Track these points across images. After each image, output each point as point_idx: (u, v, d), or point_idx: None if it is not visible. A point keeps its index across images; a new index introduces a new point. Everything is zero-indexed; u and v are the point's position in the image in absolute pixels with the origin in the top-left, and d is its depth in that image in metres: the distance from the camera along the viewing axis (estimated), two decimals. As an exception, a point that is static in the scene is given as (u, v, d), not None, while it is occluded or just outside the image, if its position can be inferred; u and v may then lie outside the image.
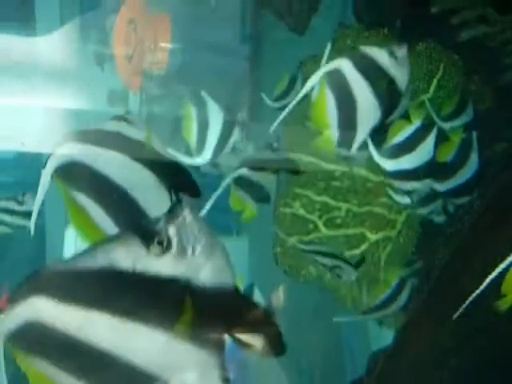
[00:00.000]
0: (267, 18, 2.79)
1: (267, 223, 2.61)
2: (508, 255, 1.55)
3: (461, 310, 1.57)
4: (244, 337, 1.56)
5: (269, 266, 2.64)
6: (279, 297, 1.76)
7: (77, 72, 2.99)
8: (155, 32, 3.12)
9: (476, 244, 1.62)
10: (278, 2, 2.33)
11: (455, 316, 1.54)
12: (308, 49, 2.50)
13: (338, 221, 2.48)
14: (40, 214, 3.31)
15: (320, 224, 2.49)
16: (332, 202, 2.51)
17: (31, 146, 2.91)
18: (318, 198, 2.53)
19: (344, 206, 2.49)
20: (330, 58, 2.10)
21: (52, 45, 2.90)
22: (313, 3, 2.34)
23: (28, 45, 2.95)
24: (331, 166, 2.49)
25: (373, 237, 2.47)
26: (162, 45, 3.08)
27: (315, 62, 2.48)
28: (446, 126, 2.14)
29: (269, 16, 2.64)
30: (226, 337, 1.62)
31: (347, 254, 2.49)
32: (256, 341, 1.57)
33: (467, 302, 1.56)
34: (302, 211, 2.54)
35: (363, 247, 2.48)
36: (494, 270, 1.57)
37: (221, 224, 3.66)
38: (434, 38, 2.35)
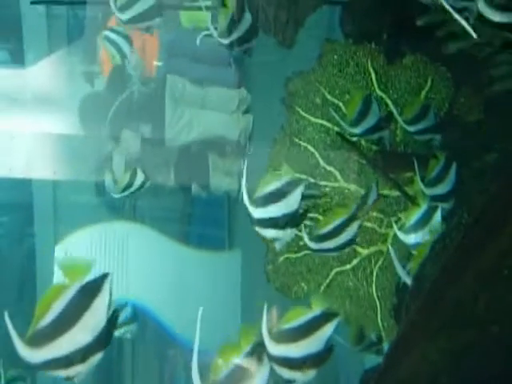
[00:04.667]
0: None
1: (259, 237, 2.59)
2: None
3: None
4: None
5: (262, 279, 2.63)
6: (274, 317, 1.75)
7: (65, 98, 3.01)
8: (143, 45, 3.14)
9: (466, 259, 1.60)
10: (265, 16, 2.32)
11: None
12: (295, 64, 2.50)
13: (329, 237, 2.47)
14: (30, 233, 3.32)
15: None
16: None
17: (19, 171, 2.91)
18: (308, 215, 2.51)
19: (334, 221, 2.47)
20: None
21: (41, 73, 2.92)
22: (298, 17, 2.33)
23: (17, 73, 2.97)
24: (321, 182, 2.48)
25: (364, 251, 2.45)
26: (150, 56, 3.11)
27: (302, 77, 2.48)
28: (411, 128, 2.21)
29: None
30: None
31: (338, 269, 2.48)
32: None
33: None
34: (292, 228, 2.52)
35: (354, 262, 2.47)
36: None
37: (213, 238, 3.65)
38: (422, 51, 2.35)
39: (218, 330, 3.01)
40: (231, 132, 3.20)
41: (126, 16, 2.15)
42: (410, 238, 2.06)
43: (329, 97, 2.43)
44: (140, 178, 2.91)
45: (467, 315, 1.55)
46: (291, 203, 1.73)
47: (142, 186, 2.92)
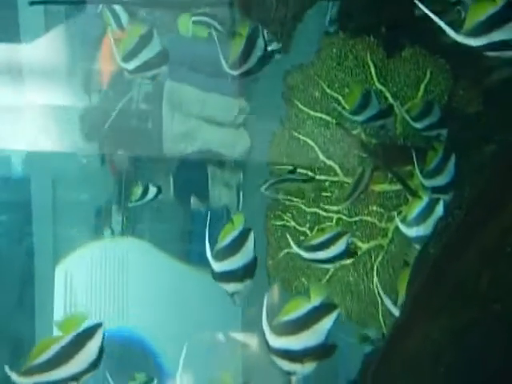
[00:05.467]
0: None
1: (260, 234, 2.58)
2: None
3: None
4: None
5: (263, 275, 2.61)
6: (275, 295, 1.75)
7: (63, 77, 3.01)
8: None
9: (468, 237, 1.59)
10: (262, 10, 2.33)
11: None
12: (293, 58, 2.50)
13: (329, 231, 2.46)
14: (28, 232, 3.30)
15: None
16: (322, 213, 2.49)
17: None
18: (309, 209, 2.51)
19: (334, 216, 2.47)
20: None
21: (37, 51, 2.93)
22: (297, 12, 2.33)
23: (13, 52, 2.98)
24: (321, 177, 2.48)
25: (364, 246, 2.44)
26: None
27: (301, 71, 2.49)
28: (418, 125, 2.16)
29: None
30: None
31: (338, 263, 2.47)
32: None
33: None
34: (292, 223, 2.52)
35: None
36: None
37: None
38: (420, 44, 2.35)
39: (219, 350, 2.98)
40: (230, 149, 3.20)
41: (130, 66, 2.13)
42: (412, 231, 2.05)
43: (328, 90, 2.44)
44: (152, 192, 2.96)
45: (470, 293, 1.54)
46: (247, 253, 1.73)
47: (154, 198, 2.97)
